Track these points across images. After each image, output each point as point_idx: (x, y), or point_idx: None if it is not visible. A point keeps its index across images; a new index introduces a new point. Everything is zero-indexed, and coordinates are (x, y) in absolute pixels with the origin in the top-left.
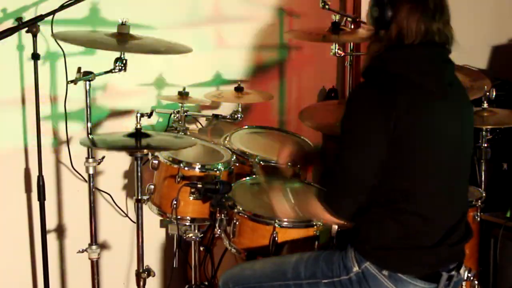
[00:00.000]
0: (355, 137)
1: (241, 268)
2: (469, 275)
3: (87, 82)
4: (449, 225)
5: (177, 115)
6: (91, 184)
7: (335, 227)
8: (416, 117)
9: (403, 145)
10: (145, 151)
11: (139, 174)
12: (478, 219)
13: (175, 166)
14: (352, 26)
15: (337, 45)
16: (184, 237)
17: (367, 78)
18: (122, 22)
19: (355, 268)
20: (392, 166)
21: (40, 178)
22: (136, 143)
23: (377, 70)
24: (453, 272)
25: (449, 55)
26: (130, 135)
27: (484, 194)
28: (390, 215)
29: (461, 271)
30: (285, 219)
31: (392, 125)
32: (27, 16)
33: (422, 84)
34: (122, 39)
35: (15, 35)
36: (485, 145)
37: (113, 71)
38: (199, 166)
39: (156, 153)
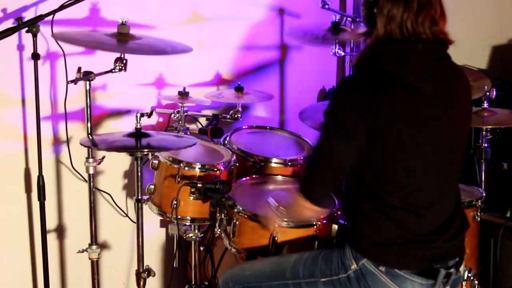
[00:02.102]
0: (335, 126)
1: (240, 268)
2: (469, 275)
3: (87, 82)
4: (442, 221)
5: (177, 115)
6: (91, 184)
7: (335, 226)
8: (400, 112)
9: (386, 139)
10: (145, 151)
11: (139, 174)
12: (478, 219)
13: (175, 166)
14: (352, 26)
15: (337, 45)
16: (184, 237)
17: (355, 72)
18: (122, 22)
19: (353, 266)
20: (377, 160)
21: (40, 178)
22: (136, 143)
23: (366, 65)
24: (452, 269)
25: (445, 51)
26: (130, 135)
27: (484, 194)
28: (381, 210)
29: (461, 269)
30: (285, 219)
31: (373, 117)
32: (27, 16)
33: (408, 80)
34: (122, 39)
35: (15, 35)
36: (485, 145)
37: (113, 71)
38: (199, 166)
39: (156, 153)
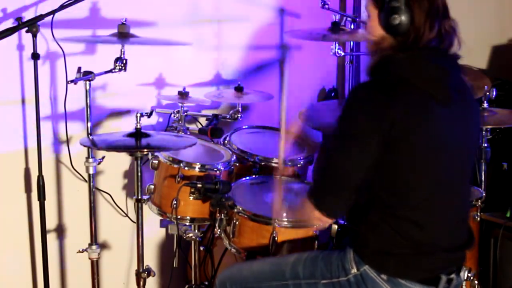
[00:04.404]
0: (347, 135)
1: (238, 268)
2: (469, 275)
3: (87, 82)
4: (449, 232)
5: (177, 115)
6: (91, 184)
7: (335, 226)
8: (414, 121)
9: (399, 149)
10: (145, 151)
11: (139, 174)
12: (478, 219)
13: (175, 166)
14: (352, 26)
15: (337, 45)
16: (184, 237)
17: (371, 78)
18: (122, 21)
19: (353, 270)
20: (387, 169)
21: (40, 178)
22: (136, 143)
23: (381, 71)
24: (453, 275)
25: (457, 61)
26: (130, 135)
27: (484, 194)
28: (386, 220)
29: (461, 273)
30: (285, 219)
31: (388, 126)
32: (27, 16)
33: (425, 89)
34: (123, 38)
35: (15, 35)
36: (485, 145)
37: (113, 71)
38: (199, 166)
39: (156, 153)
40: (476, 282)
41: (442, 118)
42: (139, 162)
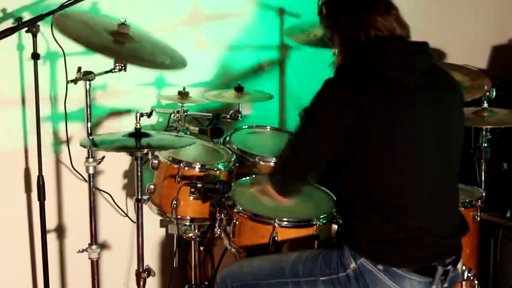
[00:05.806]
0: (312, 123)
1: (239, 266)
2: (469, 275)
3: (87, 82)
4: (437, 217)
5: (177, 115)
6: (91, 184)
7: (335, 226)
8: (382, 107)
9: (371, 135)
10: (145, 150)
11: (139, 174)
12: (478, 219)
13: (175, 166)
14: None
15: None
16: (184, 237)
17: (338, 73)
18: (122, 22)
19: (352, 265)
20: (363, 158)
21: (40, 178)
22: (136, 143)
23: (348, 67)
24: (449, 267)
25: (426, 47)
26: (130, 135)
27: (484, 194)
28: (372, 209)
29: (458, 266)
30: (285, 219)
31: (354, 115)
32: (27, 16)
33: (390, 75)
34: (122, 40)
35: (15, 35)
36: (485, 145)
37: (113, 71)
38: (199, 166)
39: (156, 153)
40: (476, 282)
41: (411, 104)
42: (139, 162)
